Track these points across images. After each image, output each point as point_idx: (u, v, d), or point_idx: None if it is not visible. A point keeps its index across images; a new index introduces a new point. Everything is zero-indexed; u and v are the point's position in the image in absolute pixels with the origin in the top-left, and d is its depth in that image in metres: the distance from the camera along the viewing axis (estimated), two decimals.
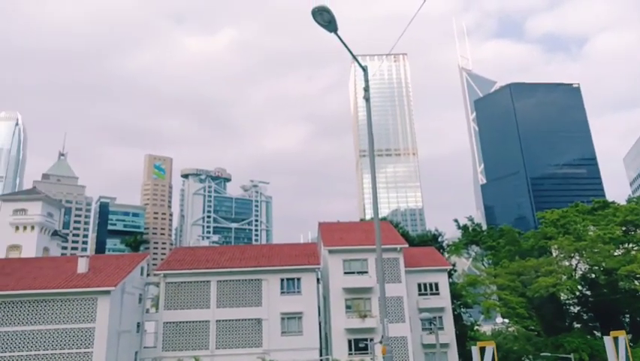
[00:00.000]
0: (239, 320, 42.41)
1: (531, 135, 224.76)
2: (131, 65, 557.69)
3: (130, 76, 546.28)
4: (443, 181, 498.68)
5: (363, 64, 16.49)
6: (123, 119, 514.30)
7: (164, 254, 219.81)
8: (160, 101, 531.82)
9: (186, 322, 42.11)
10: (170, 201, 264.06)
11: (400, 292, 44.11)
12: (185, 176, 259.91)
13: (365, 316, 42.96)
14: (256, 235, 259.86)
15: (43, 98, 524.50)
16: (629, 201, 60.05)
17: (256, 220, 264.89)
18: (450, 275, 54.35)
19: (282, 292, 43.62)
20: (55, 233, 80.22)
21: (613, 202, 58.66)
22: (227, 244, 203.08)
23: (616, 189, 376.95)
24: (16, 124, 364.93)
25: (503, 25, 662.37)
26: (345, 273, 45.21)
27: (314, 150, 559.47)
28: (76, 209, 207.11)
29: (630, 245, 50.39)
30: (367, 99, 18.79)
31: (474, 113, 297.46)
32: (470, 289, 53.26)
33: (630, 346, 43.83)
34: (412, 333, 43.85)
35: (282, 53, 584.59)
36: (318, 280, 46.30)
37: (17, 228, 73.77)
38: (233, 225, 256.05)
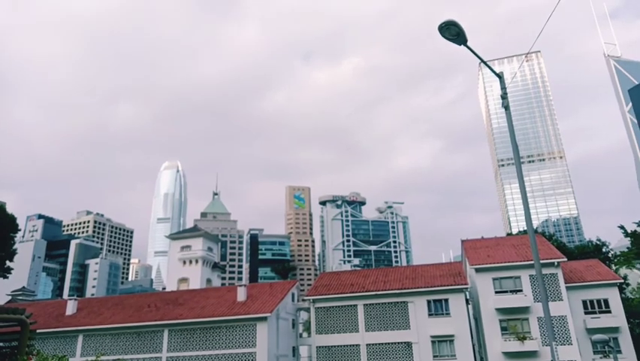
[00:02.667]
0: (388, 343, 42.20)
1: None
2: (268, 106, 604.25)
3: (267, 117, 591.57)
4: (599, 185, 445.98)
5: (494, 69, 15.89)
6: (265, 156, 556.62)
7: (310, 279, 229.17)
8: (296, 135, 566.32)
9: (337, 346, 43.14)
10: (311, 228, 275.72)
11: (562, 311, 40.07)
12: (323, 203, 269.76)
13: (524, 338, 39.69)
14: (396, 256, 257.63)
15: (197, 145, 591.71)
16: None
17: (394, 241, 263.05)
18: (621, 290, 47.92)
19: (429, 315, 42.49)
20: (215, 265, 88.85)
21: None
22: (368, 267, 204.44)
23: None
24: (177, 171, 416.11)
25: None
26: (497, 292, 42.53)
27: (447, 164, 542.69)
28: (231, 242, 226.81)
29: None
30: (506, 107, 18.02)
31: (629, 104, 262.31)
32: None
33: None
34: (582, 357, 39.28)
35: (405, 70, 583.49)
36: (467, 300, 44.20)
37: (184, 262, 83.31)
38: (372, 247, 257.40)
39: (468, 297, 44.78)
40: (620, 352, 39.33)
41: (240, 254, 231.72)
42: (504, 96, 17.99)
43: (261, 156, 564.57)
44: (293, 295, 48.30)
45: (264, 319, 39.82)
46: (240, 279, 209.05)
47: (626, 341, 40.99)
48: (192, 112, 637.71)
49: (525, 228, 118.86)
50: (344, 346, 43.02)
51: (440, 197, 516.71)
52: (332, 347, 43.26)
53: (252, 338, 39.74)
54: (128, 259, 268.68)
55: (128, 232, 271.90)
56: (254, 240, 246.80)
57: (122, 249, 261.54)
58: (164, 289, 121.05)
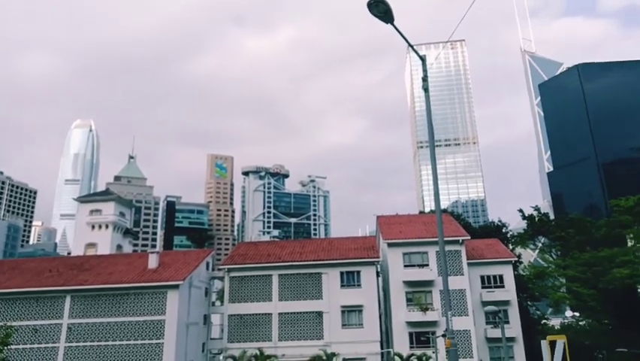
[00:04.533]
0: (300, 312, 43.18)
1: (602, 118, 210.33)
2: (196, 70, 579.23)
3: (194, 81, 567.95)
4: (506, 171, 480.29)
5: (420, 53, 16.20)
6: (188, 122, 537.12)
7: (228, 249, 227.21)
8: (223, 104, 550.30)
9: (250, 314, 43.41)
10: (232, 199, 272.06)
11: (462, 285, 43.18)
12: (246, 173, 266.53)
13: (426, 309, 42.41)
14: (315, 230, 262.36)
15: (116, 106, 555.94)
16: None
17: (314, 215, 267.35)
18: (515, 267, 52.42)
19: (342, 286, 43.91)
20: (127, 231, 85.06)
21: None
22: (287, 239, 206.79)
23: None
24: (90, 130, 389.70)
25: (573, 2, 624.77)
26: (405, 266, 44.82)
27: (372, 143, 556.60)
28: (146, 208, 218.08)
29: None
30: (426, 89, 18.47)
31: (538, 98, 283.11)
32: (537, 281, 51.09)
33: None
34: (476, 327, 42.79)
35: (338, 47, 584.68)
36: (377, 273, 46.19)
37: (93, 227, 78.94)
38: (293, 220, 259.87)
39: (379, 270, 46.82)
40: (507, 322, 43.27)
41: (155, 221, 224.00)
42: (424, 79, 18.45)
43: (184, 122, 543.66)
44: (208, 263, 47.67)
45: (176, 287, 38.98)
46: (154, 246, 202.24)
47: (514, 312, 45.13)
48: (114, 69, 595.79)
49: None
50: (256, 315, 43.38)
51: (363, 174, 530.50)
52: (244, 315, 43.46)
53: (161, 305, 38.82)
54: (30, 222, 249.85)
55: (30, 192, 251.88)
56: (170, 207, 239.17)
57: (23, 210, 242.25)
58: (69, 254, 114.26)
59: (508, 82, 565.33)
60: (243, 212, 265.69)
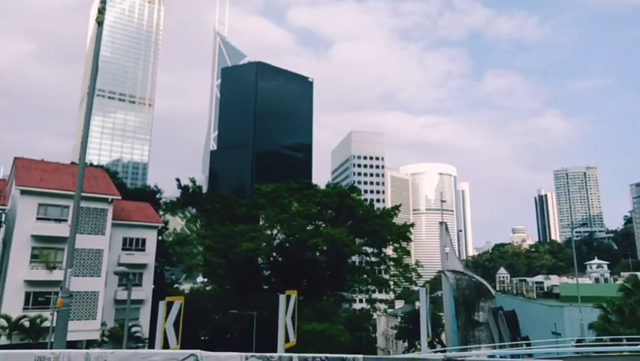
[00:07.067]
0: None
1: (265, 114, 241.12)
2: None
3: None
4: (176, 140, 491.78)
5: None
6: None
7: None
8: None
9: None
10: None
11: (101, 245, 41.15)
12: None
13: (54, 267, 38.45)
14: None
15: None
16: (327, 186, 70.54)
17: None
18: (161, 233, 53.62)
19: None
20: None
21: (316, 185, 67.98)
22: None
23: (321, 176, 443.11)
24: None
25: (270, 6, 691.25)
26: (39, 219, 39.50)
27: (36, 74, 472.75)
28: None
29: (320, 222, 59.28)
30: (100, 23, 16.42)
31: (219, 80, 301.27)
32: (178, 248, 53.70)
33: (302, 304, 51.87)
34: (107, 288, 41.54)
35: None
36: (1, 223, 38.97)
37: None
38: None
39: (3, 219, 39.61)
40: (139, 285, 43.71)
41: None
42: (101, 10, 16.43)
43: None
44: None
45: None
46: None
47: (149, 275, 45.91)
48: None
49: (95, 161, 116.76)
50: None
51: (14, 106, 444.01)
52: None
53: None
54: None
55: None
56: None
57: None
58: None
59: (198, 55, 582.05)
60: None
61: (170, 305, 15.01)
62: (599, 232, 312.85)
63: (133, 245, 46.08)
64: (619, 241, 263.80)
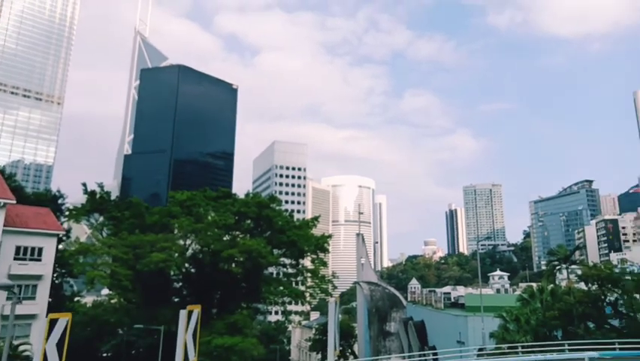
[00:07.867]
0: None
1: (186, 119, 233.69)
2: None
3: None
4: (86, 142, 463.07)
5: None
6: None
7: None
8: None
9: None
10: None
11: None
12: None
13: None
14: None
15: None
16: (246, 195, 69.17)
17: None
18: (61, 241, 49.55)
19: None
20: None
21: (235, 194, 66.45)
22: None
23: (242, 184, 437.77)
24: None
25: (196, 9, 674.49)
26: None
27: None
28: None
29: (238, 233, 57.89)
30: None
31: (137, 82, 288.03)
32: (80, 258, 49.84)
33: (214, 317, 50.13)
34: None
35: None
36: None
37: None
38: None
39: None
40: (33, 298, 39.90)
41: None
42: None
43: None
44: None
45: None
46: None
47: (44, 288, 41.90)
48: None
49: None
50: None
51: None
52: None
53: None
54: None
55: None
56: None
57: None
58: None
59: (116, 54, 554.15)
60: None
61: (53, 323, 13.54)
62: (502, 245, 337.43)
63: (28, 254, 41.98)
64: (518, 254, 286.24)
